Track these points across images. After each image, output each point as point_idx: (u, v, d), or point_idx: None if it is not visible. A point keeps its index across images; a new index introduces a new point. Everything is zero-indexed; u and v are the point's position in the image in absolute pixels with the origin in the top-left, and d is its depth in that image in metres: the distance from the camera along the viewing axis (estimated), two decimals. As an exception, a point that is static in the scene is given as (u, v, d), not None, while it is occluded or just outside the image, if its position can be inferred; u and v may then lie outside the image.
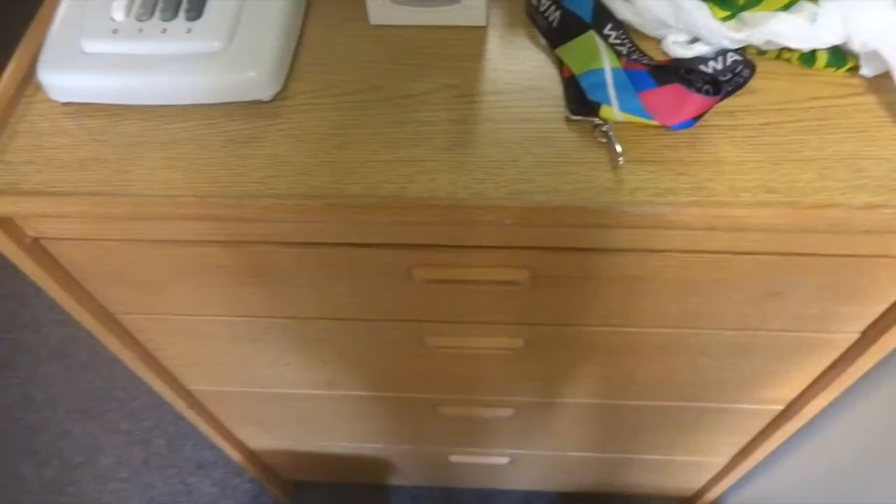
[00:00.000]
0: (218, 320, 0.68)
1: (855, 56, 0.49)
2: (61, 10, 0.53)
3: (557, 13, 0.51)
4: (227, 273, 0.60)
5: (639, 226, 0.47)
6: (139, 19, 0.51)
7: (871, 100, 0.49)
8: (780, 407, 0.79)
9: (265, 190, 0.48)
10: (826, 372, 0.69)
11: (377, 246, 0.55)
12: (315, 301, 0.64)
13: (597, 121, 0.46)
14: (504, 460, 1.10)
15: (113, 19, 0.51)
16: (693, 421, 0.87)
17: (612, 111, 0.46)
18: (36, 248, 0.56)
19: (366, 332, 0.69)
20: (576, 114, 0.47)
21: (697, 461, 1.05)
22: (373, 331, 0.69)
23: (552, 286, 0.59)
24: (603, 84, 0.47)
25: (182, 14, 0.51)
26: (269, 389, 0.85)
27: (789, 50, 0.49)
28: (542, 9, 0.52)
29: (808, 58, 0.49)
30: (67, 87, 0.52)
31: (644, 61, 0.48)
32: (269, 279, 0.61)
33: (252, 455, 1.12)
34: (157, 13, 0.51)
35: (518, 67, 0.52)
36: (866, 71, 0.49)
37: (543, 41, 0.53)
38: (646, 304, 0.60)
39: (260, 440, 1.07)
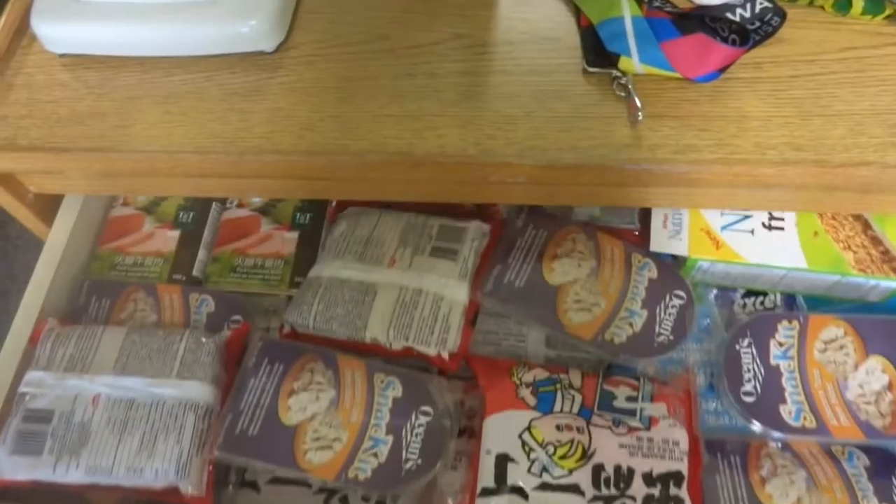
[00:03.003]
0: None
1: (893, 3, 0.47)
2: (55, -44, 0.52)
3: (575, -43, 0.49)
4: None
5: (658, 184, 0.46)
6: (136, -35, 0.50)
7: (910, 50, 0.47)
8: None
9: (268, 146, 0.47)
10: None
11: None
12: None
13: (615, 73, 0.45)
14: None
15: (110, -35, 0.50)
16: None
17: (632, 62, 0.45)
18: (38, 203, 0.57)
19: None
20: (593, 66, 0.46)
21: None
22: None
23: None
24: (622, 33, 0.46)
25: (181, -40, 0.50)
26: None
27: (823, -5, 0.48)
28: (559, -48, 0.50)
29: (843, 4, 0.47)
30: (63, 38, 0.51)
31: (667, 9, 0.47)
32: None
33: None
34: (156, -41, 0.50)
35: (532, 16, 0.51)
36: (906, 18, 0.47)
37: (560, -13, 0.51)
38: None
39: None
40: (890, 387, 0.56)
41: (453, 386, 0.60)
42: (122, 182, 0.54)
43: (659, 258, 0.62)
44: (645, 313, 0.60)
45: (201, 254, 0.70)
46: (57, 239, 0.61)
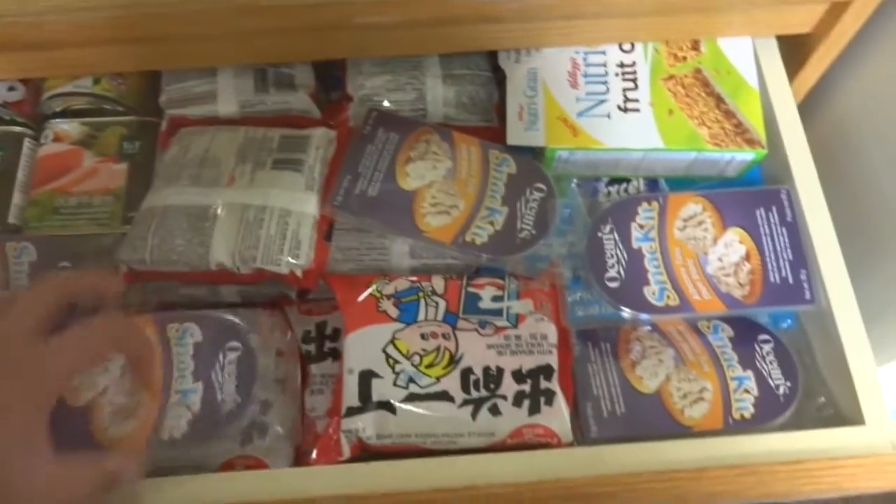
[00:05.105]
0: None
1: None
2: None
3: None
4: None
5: (504, 18, 0.46)
6: None
7: None
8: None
9: (72, 2, 0.45)
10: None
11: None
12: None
13: None
14: None
15: None
16: None
17: None
18: None
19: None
20: None
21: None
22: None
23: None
24: None
25: None
26: None
27: None
28: None
29: None
30: None
31: None
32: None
33: None
34: None
35: None
36: None
37: None
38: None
39: None
40: (747, 257, 0.59)
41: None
42: None
43: (518, 153, 0.63)
44: (506, 210, 0.61)
45: (16, 197, 0.67)
46: None
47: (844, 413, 0.56)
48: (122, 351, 0.46)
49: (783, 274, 0.58)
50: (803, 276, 0.58)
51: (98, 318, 0.40)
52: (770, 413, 0.56)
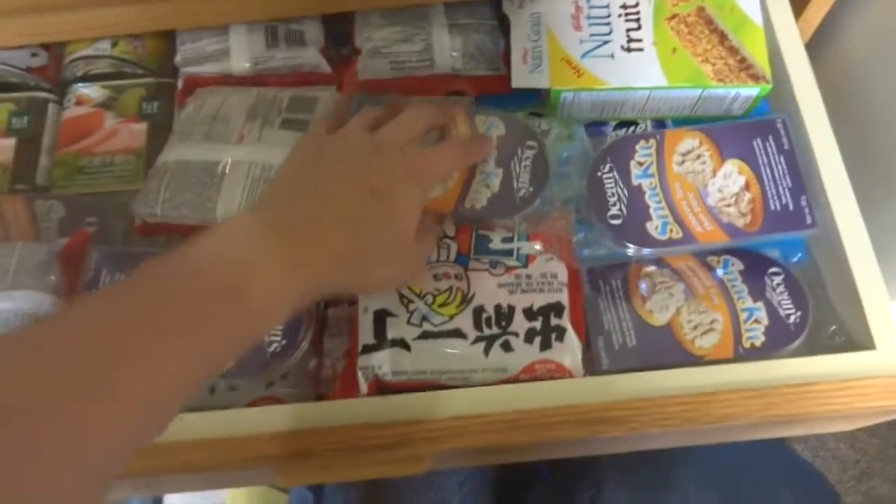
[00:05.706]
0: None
1: None
2: None
3: None
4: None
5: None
6: None
7: None
8: None
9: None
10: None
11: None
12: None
13: None
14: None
15: None
16: None
17: None
18: None
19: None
20: None
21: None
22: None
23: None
24: None
25: None
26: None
27: None
28: None
29: None
30: None
31: None
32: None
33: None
34: None
35: None
36: None
37: None
38: None
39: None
40: (747, 186, 0.60)
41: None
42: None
43: (506, 111, 0.64)
44: (500, 171, 0.62)
45: (43, 160, 0.70)
46: None
47: (855, 339, 0.57)
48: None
49: (783, 201, 0.59)
50: (803, 202, 0.58)
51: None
52: (780, 341, 0.57)
